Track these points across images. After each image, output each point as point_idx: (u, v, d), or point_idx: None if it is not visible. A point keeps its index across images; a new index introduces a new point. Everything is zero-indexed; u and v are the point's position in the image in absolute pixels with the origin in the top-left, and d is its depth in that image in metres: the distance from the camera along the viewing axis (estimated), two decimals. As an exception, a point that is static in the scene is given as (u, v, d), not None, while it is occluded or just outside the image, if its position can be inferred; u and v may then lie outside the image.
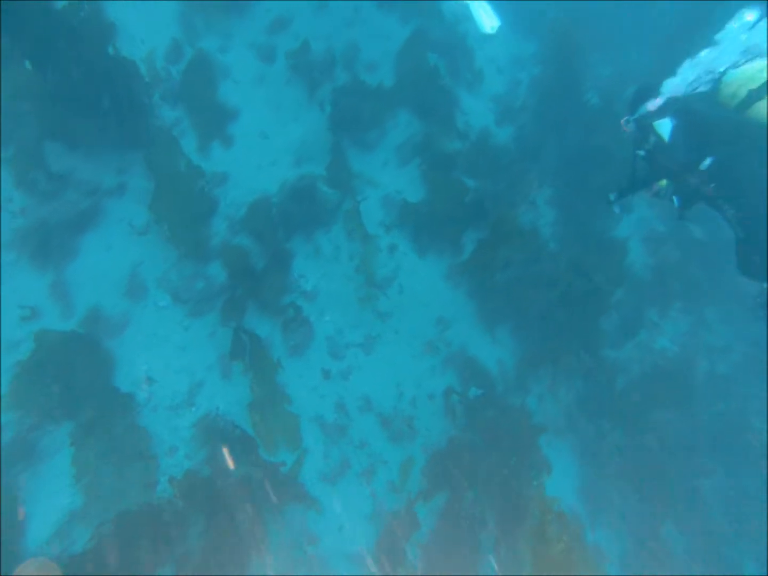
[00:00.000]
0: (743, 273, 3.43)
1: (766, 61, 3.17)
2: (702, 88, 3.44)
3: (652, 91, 3.75)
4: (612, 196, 4.07)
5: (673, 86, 3.66)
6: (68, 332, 4.56)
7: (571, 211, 7.13)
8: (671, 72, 3.72)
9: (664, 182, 3.64)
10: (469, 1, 8.37)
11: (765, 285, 3.40)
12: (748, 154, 3.24)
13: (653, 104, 3.71)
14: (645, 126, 3.71)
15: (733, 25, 3.35)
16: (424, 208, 6.27)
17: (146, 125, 5.71)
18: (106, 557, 3.87)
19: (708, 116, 3.40)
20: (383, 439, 5.31)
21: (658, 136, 3.53)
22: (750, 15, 3.26)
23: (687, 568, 5.61)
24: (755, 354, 7.18)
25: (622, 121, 3.91)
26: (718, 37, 3.46)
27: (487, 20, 8.39)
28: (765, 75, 3.12)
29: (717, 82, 3.34)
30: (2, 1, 4.47)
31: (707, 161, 3.32)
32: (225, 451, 4.57)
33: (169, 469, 4.42)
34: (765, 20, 3.29)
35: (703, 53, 3.47)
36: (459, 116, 7.25)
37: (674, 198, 3.60)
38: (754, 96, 3.14)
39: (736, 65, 3.29)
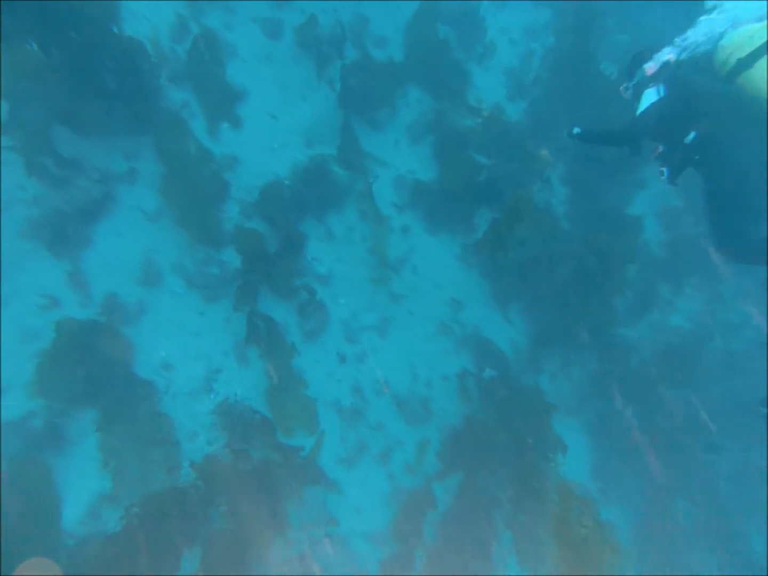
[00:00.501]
0: (716, 247, 3.41)
1: (754, 26, 3.09)
2: (702, 49, 3.35)
3: (649, 56, 3.66)
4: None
5: (668, 49, 3.59)
6: (88, 321, 4.52)
7: (585, 187, 6.95)
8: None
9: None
10: None
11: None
12: (731, 128, 3.16)
13: (649, 69, 3.61)
14: (639, 89, 3.63)
15: None
16: (436, 188, 6.13)
17: (154, 108, 5.55)
18: (137, 536, 3.95)
19: (695, 87, 3.30)
20: (399, 421, 5.32)
21: (639, 105, 3.50)
22: None
23: (696, 542, 5.67)
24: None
25: (621, 88, 3.86)
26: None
27: None
28: (755, 41, 3.03)
29: (715, 44, 3.25)
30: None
31: (691, 135, 3.24)
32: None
33: (190, 454, 4.44)
34: None
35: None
36: (470, 91, 7.01)
37: (663, 169, 3.53)
38: (742, 65, 3.05)
39: (735, 26, 3.19)
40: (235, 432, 4.61)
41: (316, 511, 4.72)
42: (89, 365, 4.39)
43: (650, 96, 3.46)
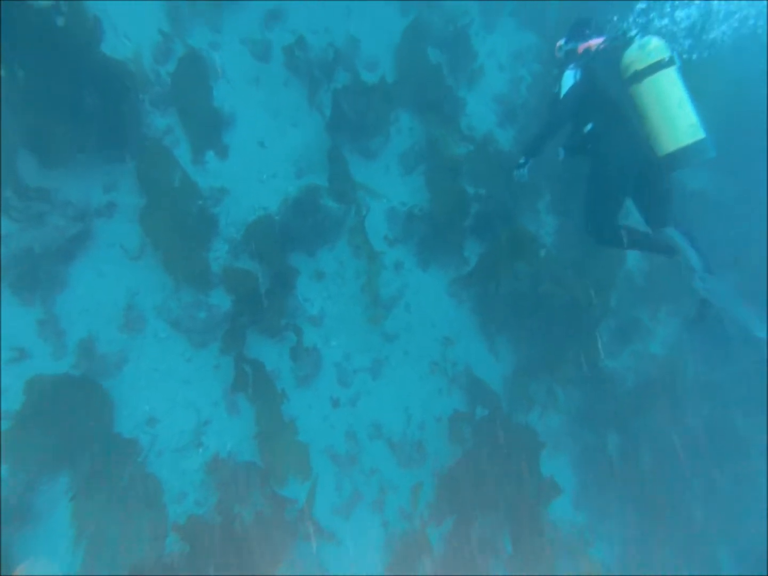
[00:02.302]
0: (587, 232, 3.67)
1: (657, 43, 3.29)
2: (617, 45, 3.46)
3: (592, 32, 3.73)
4: (522, 159, 4.02)
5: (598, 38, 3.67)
6: (61, 375, 3.94)
7: (570, 216, 6.65)
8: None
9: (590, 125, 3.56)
10: None
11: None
12: (616, 130, 3.38)
13: (581, 47, 3.70)
14: (562, 68, 3.68)
15: None
16: (428, 220, 5.70)
17: (136, 135, 4.91)
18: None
19: (599, 83, 3.44)
20: (393, 465, 4.95)
21: (559, 87, 3.59)
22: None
23: (676, 569, 5.55)
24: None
25: (558, 44, 3.88)
26: None
27: None
28: (651, 57, 3.24)
29: (627, 44, 3.38)
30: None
31: (589, 126, 3.46)
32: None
33: (178, 518, 3.95)
34: None
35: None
36: (462, 118, 6.56)
37: (561, 149, 3.73)
38: (637, 76, 3.25)
39: (642, 34, 3.38)
40: (227, 489, 4.14)
41: (310, 563, 4.33)
42: (64, 426, 3.83)
43: (568, 79, 3.55)
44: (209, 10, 5.80)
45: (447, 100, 6.45)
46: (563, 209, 6.63)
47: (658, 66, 3.21)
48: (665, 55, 3.24)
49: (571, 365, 5.83)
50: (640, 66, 3.24)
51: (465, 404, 5.32)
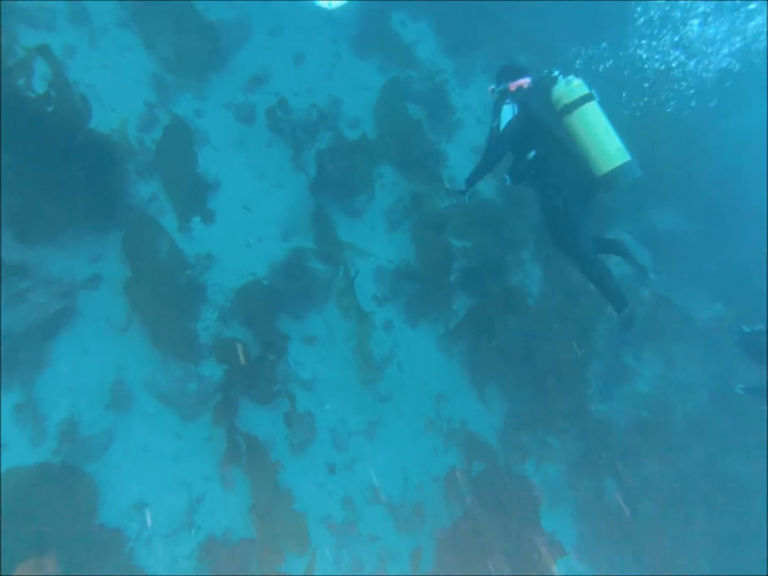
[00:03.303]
0: (555, 245, 3.93)
1: (578, 81, 3.66)
2: (545, 83, 3.79)
3: (518, 73, 3.99)
4: (463, 187, 4.17)
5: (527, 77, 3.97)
6: (39, 465, 3.67)
7: (553, 264, 6.68)
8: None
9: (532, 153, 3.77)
10: None
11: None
12: (557, 154, 3.66)
13: (512, 86, 3.92)
14: (498, 105, 3.87)
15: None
16: (415, 276, 5.64)
17: (120, 204, 4.77)
18: None
19: (536, 115, 3.69)
20: (392, 530, 4.72)
21: (499, 121, 3.78)
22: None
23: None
24: (719, 389, 7.02)
25: (490, 88, 4.09)
26: None
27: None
28: (576, 93, 3.61)
29: (553, 82, 3.72)
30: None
31: (532, 153, 3.71)
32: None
33: (169, 612, 3.66)
34: None
35: None
36: (444, 170, 6.61)
37: (506, 176, 3.96)
38: (567, 109, 3.60)
39: (563, 74, 3.75)
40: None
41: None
42: (41, 522, 3.53)
43: (507, 113, 3.75)
44: (193, 77, 5.80)
45: (429, 155, 6.52)
46: (547, 257, 6.66)
47: (583, 100, 3.60)
48: (586, 91, 3.65)
49: (563, 414, 5.76)
50: (568, 100, 3.62)
51: (461, 461, 5.15)
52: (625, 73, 8.02)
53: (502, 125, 3.76)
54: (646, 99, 7.83)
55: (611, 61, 7.87)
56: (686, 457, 6.09)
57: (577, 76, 3.75)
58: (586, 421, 5.85)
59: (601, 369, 6.46)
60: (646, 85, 7.88)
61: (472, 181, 4.16)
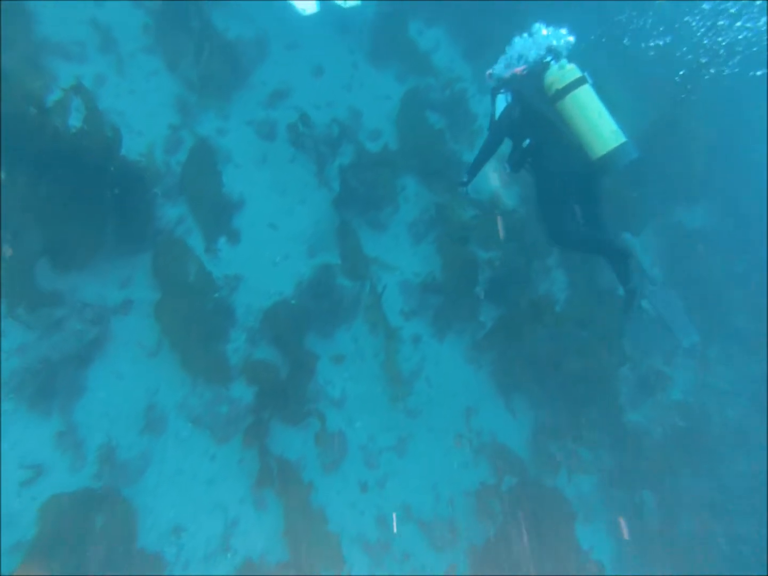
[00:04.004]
0: (548, 239, 3.88)
1: (571, 65, 3.59)
2: (537, 69, 3.73)
3: (514, 60, 3.89)
4: (464, 178, 4.17)
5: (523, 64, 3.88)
6: (80, 490, 3.67)
7: (579, 270, 6.47)
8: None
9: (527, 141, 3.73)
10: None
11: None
12: (552, 140, 3.59)
13: (509, 72, 3.85)
14: (494, 93, 3.85)
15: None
16: (442, 289, 5.51)
17: (149, 228, 4.77)
18: None
19: (528, 102, 3.66)
20: (426, 547, 4.61)
21: (494, 110, 3.80)
22: (544, 30, 3.80)
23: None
24: (760, 394, 6.72)
25: (487, 72, 4.05)
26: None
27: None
28: (568, 78, 3.53)
29: (545, 68, 3.67)
30: None
31: (527, 141, 3.67)
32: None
33: (209, 637, 3.64)
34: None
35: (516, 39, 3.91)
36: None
37: (506, 164, 3.93)
38: (559, 94, 3.53)
39: (556, 59, 3.68)
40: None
41: None
42: (82, 548, 3.53)
43: (501, 102, 3.76)
44: (215, 96, 5.77)
45: (451, 164, 6.37)
46: (572, 264, 6.45)
47: (575, 84, 3.54)
48: (579, 74, 3.58)
49: (594, 423, 5.57)
50: (560, 85, 3.56)
51: (492, 475, 5.01)
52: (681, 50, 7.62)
53: (497, 114, 3.79)
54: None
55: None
56: (727, 467, 5.83)
57: (569, 60, 3.70)
58: (619, 430, 5.65)
59: (631, 377, 6.24)
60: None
61: (473, 171, 4.18)
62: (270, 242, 5.21)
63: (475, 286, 5.57)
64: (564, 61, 3.68)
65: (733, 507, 5.45)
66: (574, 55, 3.87)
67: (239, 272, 4.90)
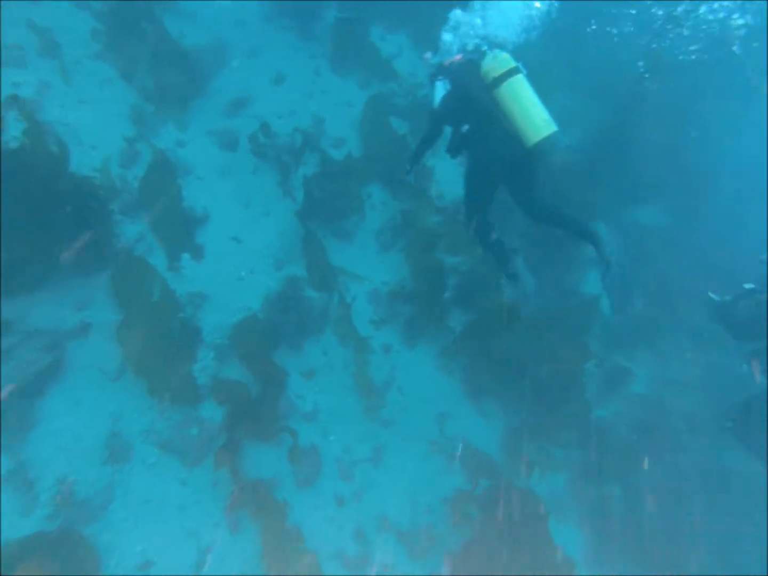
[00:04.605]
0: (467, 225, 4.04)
1: (505, 55, 3.68)
2: (474, 57, 3.82)
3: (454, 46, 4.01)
4: (407, 166, 4.15)
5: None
6: (33, 536, 3.36)
7: (545, 274, 6.55)
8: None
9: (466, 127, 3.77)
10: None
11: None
12: (488, 126, 3.68)
13: (447, 60, 3.90)
14: (433, 80, 3.88)
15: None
16: (410, 297, 5.45)
17: (106, 246, 4.49)
18: None
19: (467, 89, 3.71)
20: (405, 558, 4.55)
21: (433, 97, 3.81)
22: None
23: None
24: (708, 384, 6.99)
25: (426, 54, 4.10)
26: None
27: None
28: (503, 66, 3.61)
29: (482, 57, 3.74)
30: None
31: (465, 127, 3.73)
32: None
33: None
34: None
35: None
36: (432, 185, 6.41)
37: (445, 150, 3.96)
38: (496, 82, 3.61)
39: (491, 48, 3.79)
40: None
41: None
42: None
43: (440, 89, 3.79)
44: (173, 106, 5.50)
45: (416, 172, 6.30)
46: (537, 268, 6.52)
47: (510, 73, 3.61)
48: (513, 64, 3.65)
49: (563, 422, 5.65)
50: (496, 73, 3.62)
51: (467, 480, 4.99)
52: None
53: (436, 101, 3.81)
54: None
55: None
56: (684, 455, 6.02)
57: (503, 50, 3.78)
58: (587, 427, 5.75)
59: (597, 375, 6.37)
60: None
61: (414, 159, 4.16)
62: (235, 256, 5.02)
63: (444, 292, 5.54)
64: (498, 50, 3.77)
65: (688, 490, 5.63)
66: (523, 54, 3.95)
67: (204, 289, 4.68)
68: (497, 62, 3.66)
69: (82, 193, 4.22)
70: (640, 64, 7.60)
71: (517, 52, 3.98)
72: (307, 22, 7.13)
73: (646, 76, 7.46)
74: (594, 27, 8.24)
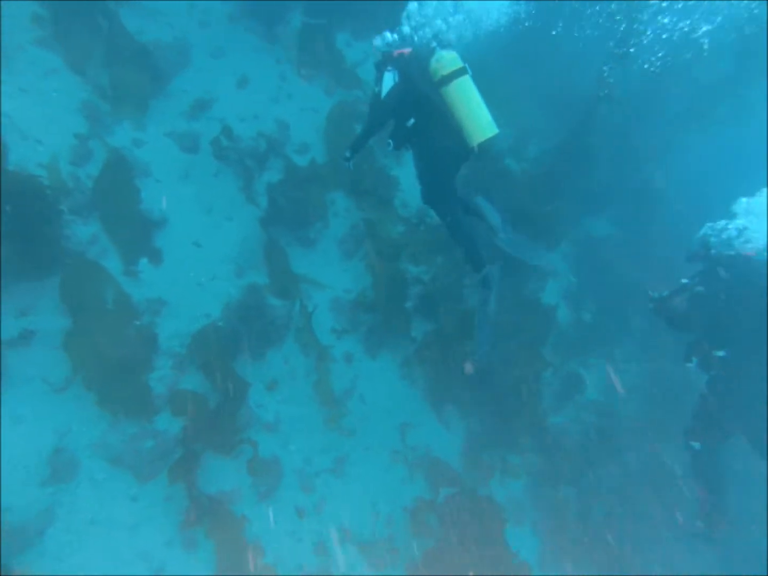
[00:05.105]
0: (424, 202, 4.07)
1: (454, 54, 3.71)
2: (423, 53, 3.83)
3: (401, 42, 3.94)
4: (348, 153, 4.09)
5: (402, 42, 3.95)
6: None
7: (505, 282, 6.66)
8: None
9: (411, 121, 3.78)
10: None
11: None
12: (434, 122, 3.73)
13: (397, 52, 3.88)
14: (380, 70, 3.85)
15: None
16: (372, 306, 5.41)
17: (54, 249, 4.20)
18: None
19: (415, 84, 3.71)
20: (366, 569, 4.48)
21: (380, 88, 3.77)
22: None
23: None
24: (654, 389, 7.29)
25: (374, 44, 4.06)
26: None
27: None
28: (452, 66, 3.66)
29: (431, 53, 3.76)
30: None
31: (411, 121, 3.75)
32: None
33: None
34: None
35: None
36: (396, 194, 6.40)
37: (390, 141, 3.95)
38: (443, 80, 3.66)
39: (441, 45, 3.81)
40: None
41: None
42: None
43: (388, 80, 3.74)
44: (130, 103, 5.24)
45: (380, 178, 6.29)
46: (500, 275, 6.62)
47: (458, 73, 3.66)
48: (460, 64, 3.70)
49: (521, 430, 5.75)
50: (445, 71, 3.66)
51: (428, 489, 4.99)
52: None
53: (383, 92, 3.77)
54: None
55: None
56: (630, 455, 6.25)
57: (452, 49, 3.80)
58: (543, 433, 5.88)
59: (553, 383, 6.53)
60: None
61: (355, 147, 4.10)
62: (195, 262, 4.82)
63: (407, 300, 5.54)
64: (447, 49, 3.80)
65: (634, 489, 5.85)
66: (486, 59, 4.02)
67: (162, 295, 4.46)
68: (446, 61, 3.69)
69: (25, 191, 3.93)
70: (605, 68, 7.79)
71: (480, 57, 4.05)
72: (272, 26, 6.99)
73: (610, 81, 7.67)
74: (560, 29, 8.44)
